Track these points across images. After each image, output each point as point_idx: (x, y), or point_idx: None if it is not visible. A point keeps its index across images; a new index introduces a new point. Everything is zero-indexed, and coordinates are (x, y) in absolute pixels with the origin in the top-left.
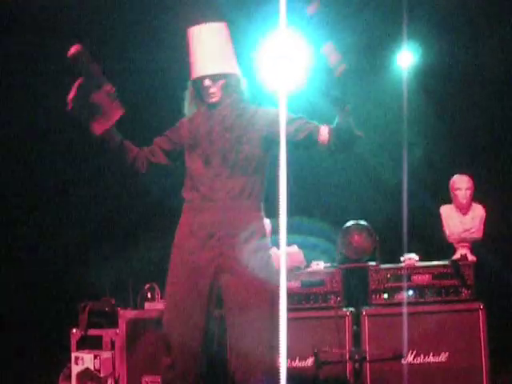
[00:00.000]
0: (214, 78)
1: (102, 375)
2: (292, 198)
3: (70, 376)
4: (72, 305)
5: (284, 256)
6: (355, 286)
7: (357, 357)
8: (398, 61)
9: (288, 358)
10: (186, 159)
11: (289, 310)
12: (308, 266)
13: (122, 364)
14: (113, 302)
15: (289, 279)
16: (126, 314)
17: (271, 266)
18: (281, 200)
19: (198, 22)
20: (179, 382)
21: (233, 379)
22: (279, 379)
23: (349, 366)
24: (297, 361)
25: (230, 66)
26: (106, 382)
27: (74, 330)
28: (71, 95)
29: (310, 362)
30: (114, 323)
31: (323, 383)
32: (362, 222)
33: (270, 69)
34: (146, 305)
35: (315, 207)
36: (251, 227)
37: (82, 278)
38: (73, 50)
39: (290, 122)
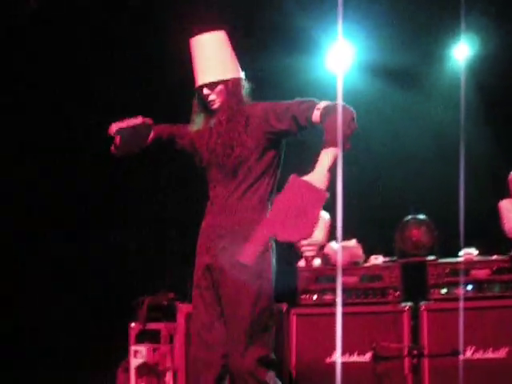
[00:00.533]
0: (212, 85)
1: (160, 368)
2: (349, 193)
3: (128, 369)
4: (131, 299)
5: (340, 251)
6: (414, 280)
7: (415, 352)
8: (455, 53)
9: (346, 352)
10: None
11: (347, 304)
12: (366, 260)
13: (181, 357)
14: (171, 295)
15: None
16: (184, 308)
17: (264, 266)
18: (338, 195)
19: (197, 33)
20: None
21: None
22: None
23: (407, 362)
24: (355, 355)
25: (227, 72)
26: (165, 375)
27: (133, 324)
28: (117, 146)
29: (367, 356)
30: (172, 317)
31: (381, 378)
32: (421, 216)
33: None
34: None
35: (373, 202)
36: (243, 228)
37: (141, 271)
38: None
39: (285, 112)
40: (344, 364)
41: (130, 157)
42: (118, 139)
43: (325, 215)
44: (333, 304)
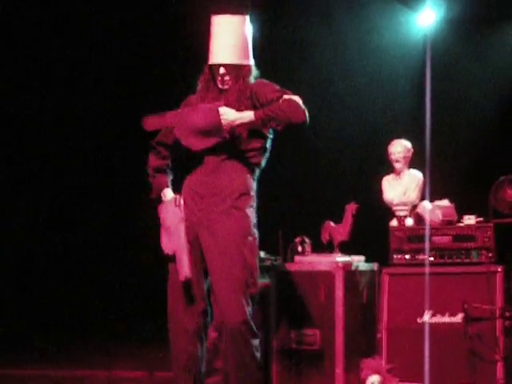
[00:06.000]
0: (229, 67)
1: None
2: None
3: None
4: None
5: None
6: (507, 241)
7: (507, 314)
8: (419, 20)
9: (438, 313)
10: None
11: (439, 264)
12: (460, 220)
13: (273, 316)
14: (262, 255)
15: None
16: (277, 267)
17: (245, 225)
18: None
19: (222, 12)
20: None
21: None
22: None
23: (499, 323)
24: (446, 316)
25: (244, 58)
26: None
27: None
28: None
29: (459, 317)
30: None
31: (472, 339)
32: None
33: None
34: (296, 258)
35: (466, 161)
36: (230, 187)
37: None
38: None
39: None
40: (435, 324)
41: None
42: None
43: (418, 174)
44: (425, 264)
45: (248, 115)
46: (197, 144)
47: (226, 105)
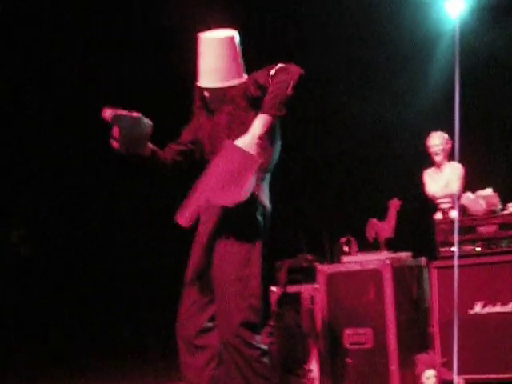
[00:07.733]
0: (212, 90)
1: (304, 331)
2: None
3: (272, 333)
4: (270, 263)
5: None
6: None
7: None
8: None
9: (488, 303)
10: None
11: (486, 254)
12: (503, 208)
13: (323, 319)
14: (309, 257)
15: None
16: (325, 269)
17: (252, 231)
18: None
19: (207, 29)
20: None
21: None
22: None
23: None
24: (498, 306)
25: (228, 80)
26: (308, 336)
27: (274, 288)
28: (117, 139)
29: (510, 306)
30: (312, 279)
31: None
32: None
33: None
34: (344, 258)
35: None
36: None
37: (278, 235)
38: (106, 115)
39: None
40: (486, 315)
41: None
42: (116, 131)
43: (458, 165)
44: (473, 255)
45: (262, 120)
46: (241, 194)
47: (216, 128)
